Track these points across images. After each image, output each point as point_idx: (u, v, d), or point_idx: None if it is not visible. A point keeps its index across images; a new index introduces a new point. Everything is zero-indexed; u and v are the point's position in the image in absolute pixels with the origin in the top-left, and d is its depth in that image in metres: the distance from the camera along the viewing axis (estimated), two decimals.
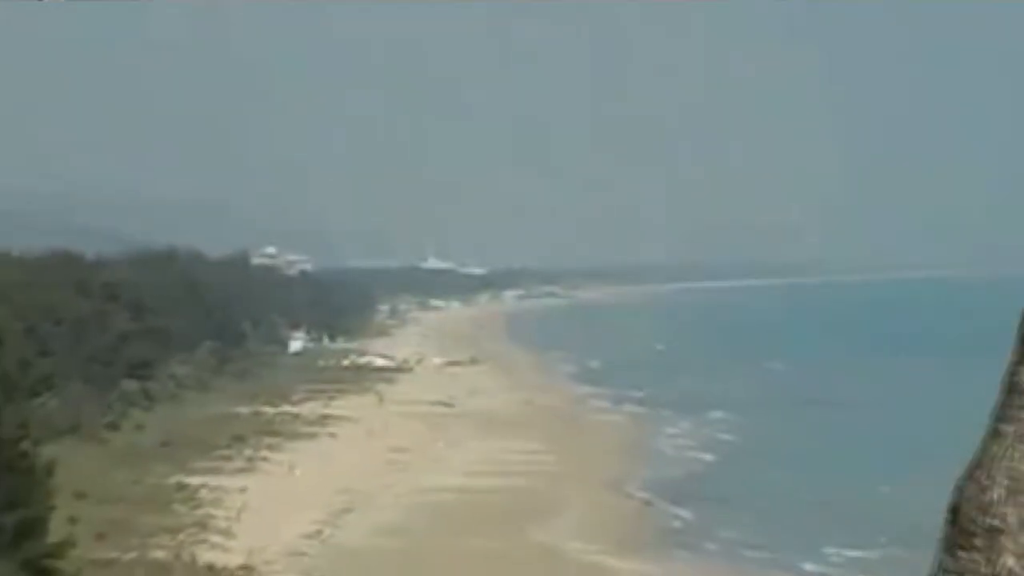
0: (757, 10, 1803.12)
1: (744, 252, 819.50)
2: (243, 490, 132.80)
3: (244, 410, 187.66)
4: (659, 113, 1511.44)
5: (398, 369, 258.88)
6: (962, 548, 5.83)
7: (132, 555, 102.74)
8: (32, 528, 60.57)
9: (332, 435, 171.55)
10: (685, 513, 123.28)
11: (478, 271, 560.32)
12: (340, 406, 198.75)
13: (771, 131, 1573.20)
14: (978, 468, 5.93)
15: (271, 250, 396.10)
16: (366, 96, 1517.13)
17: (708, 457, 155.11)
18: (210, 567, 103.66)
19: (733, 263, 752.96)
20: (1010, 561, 5.72)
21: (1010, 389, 5.83)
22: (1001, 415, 5.88)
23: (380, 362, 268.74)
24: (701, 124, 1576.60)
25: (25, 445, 66.27)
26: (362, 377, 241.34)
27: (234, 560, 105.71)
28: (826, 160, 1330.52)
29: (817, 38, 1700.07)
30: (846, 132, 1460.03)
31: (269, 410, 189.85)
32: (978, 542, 5.77)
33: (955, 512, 5.97)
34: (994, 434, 5.89)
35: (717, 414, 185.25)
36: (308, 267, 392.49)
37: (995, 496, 5.86)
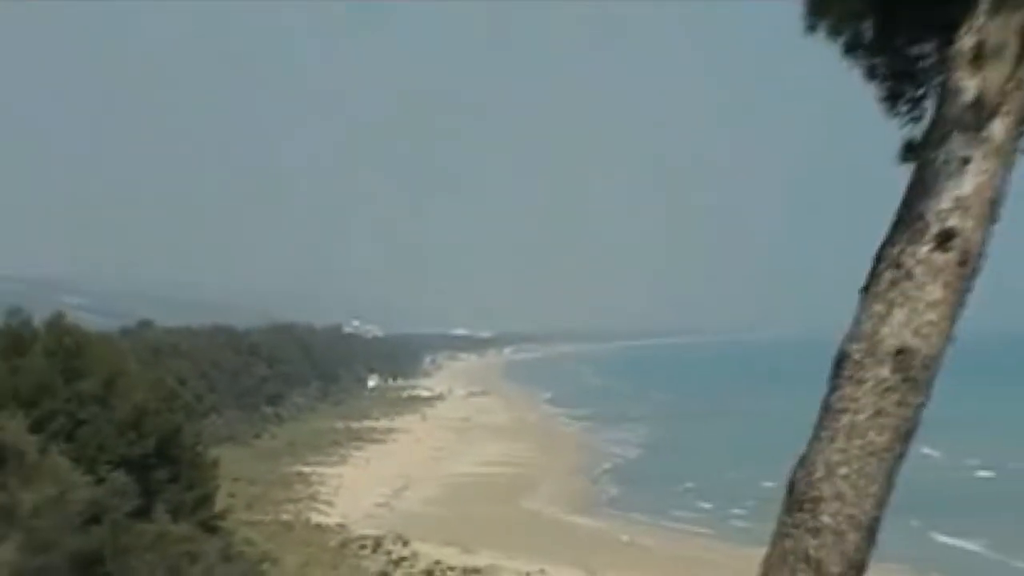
0: None
1: (663, 319, 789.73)
2: (339, 476, 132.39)
3: (339, 425, 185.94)
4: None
5: (436, 398, 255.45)
6: (796, 510, 5.97)
7: (269, 517, 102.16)
8: (204, 500, 60.12)
9: (395, 440, 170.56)
10: (614, 489, 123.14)
11: (486, 335, 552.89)
12: (400, 421, 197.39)
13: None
14: (806, 458, 6.02)
15: (356, 322, 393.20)
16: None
17: (630, 454, 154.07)
18: (318, 525, 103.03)
19: (657, 328, 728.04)
20: (825, 518, 5.89)
21: (825, 409, 5.95)
22: (819, 426, 5.97)
23: (424, 393, 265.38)
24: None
25: (199, 448, 66.08)
26: (413, 403, 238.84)
27: (333, 520, 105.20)
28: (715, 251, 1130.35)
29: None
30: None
31: (355, 425, 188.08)
32: (806, 506, 5.94)
33: (791, 486, 6.09)
34: (815, 437, 5.97)
35: (631, 426, 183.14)
36: (379, 333, 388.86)
37: (816, 477, 6.00)
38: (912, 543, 76.41)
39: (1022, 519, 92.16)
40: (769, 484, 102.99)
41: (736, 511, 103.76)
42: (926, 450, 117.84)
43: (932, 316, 5.87)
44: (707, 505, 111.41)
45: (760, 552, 6.17)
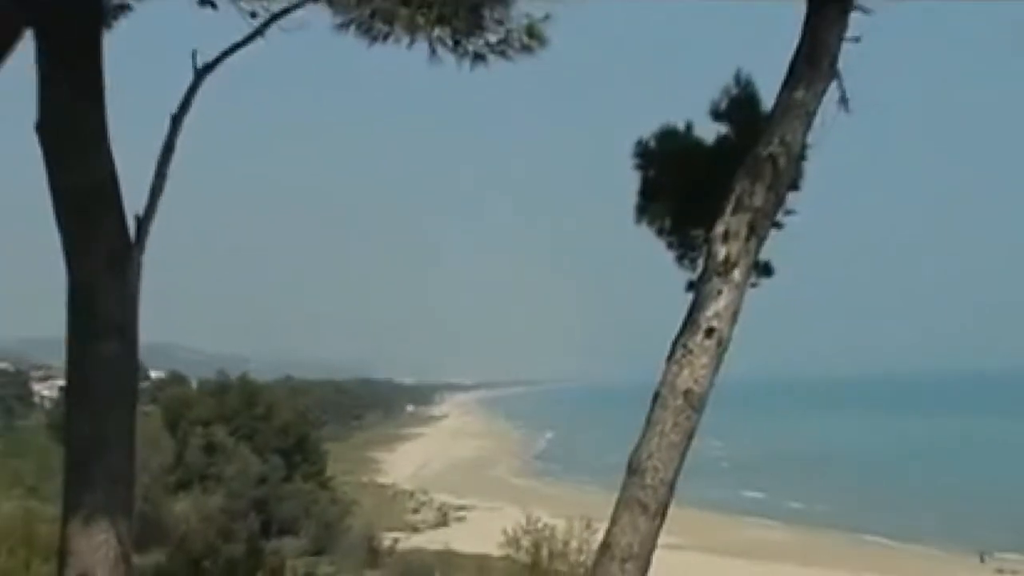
0: None
1: (580, 369, 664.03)
2: (392, 458, 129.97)
3: (392, 431, 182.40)
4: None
5: (442, 416, 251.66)
6: (632, 475, 5.76)
7: (355, 480, 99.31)
8: (321, 470, 58.84)
9: (421, 439, 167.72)
10: (540, 464, 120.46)
11: (470, 382, 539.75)
12: (423, 429, 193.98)
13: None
14: (638, 447, 5.97)
15: (400, 378, 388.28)
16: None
17: (543, 444, 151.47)
18: (381, 484, 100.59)
19: (575, 375, 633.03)
20: (648, 480, 5.77)
21: (647, 421, 5.85)
22: (645, 430, 5.91)
23: (436, 415, 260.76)
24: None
25: (318, 443, 64.85)
26: (431, 420, 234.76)
27: (389, 481, 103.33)
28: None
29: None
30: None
31: (402, 431, 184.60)
32: (638, 473, 5.78)
33: (630, 463, 6.03)
34: (643, 437, 5.87)
35: (547, 432, 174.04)
36: (413, 382, 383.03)
37: (643, 457, 5.92)
38: None
39: (714, 484, 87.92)
40: (598, 463, 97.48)
41: (569, 477, 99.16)
42: None
43: (703, 372, 5.86)
44: (564, 473, 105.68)
45: (612, 497, 6.12)
